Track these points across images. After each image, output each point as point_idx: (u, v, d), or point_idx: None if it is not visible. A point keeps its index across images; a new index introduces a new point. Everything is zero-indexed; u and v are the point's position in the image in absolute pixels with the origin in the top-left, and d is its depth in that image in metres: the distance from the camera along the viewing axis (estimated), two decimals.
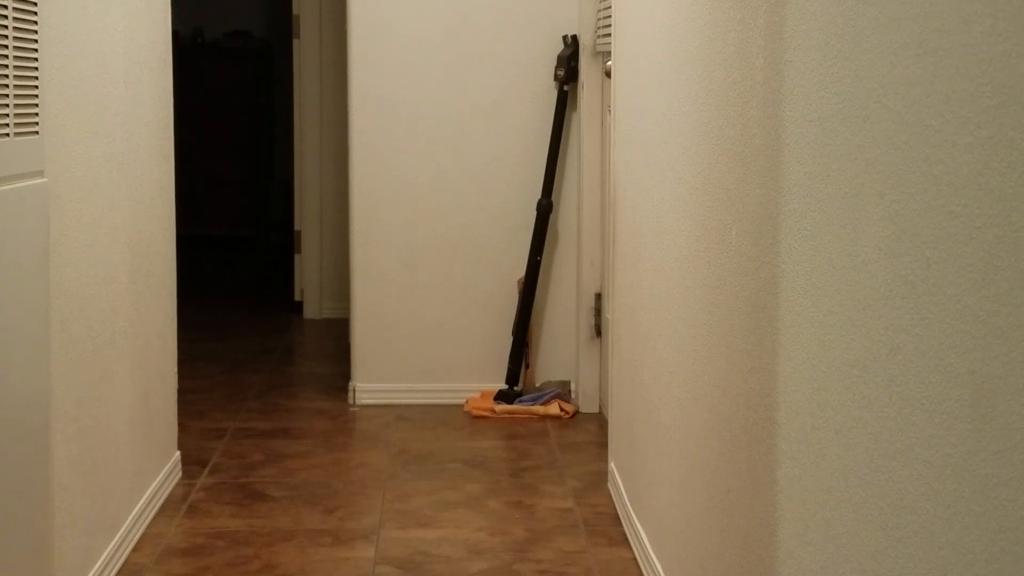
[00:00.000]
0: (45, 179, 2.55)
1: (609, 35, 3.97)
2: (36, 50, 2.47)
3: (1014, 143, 1.15)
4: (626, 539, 3.38)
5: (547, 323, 4.86)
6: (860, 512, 1.55)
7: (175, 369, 3.88)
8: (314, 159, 6.54)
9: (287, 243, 7.12)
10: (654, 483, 3.04)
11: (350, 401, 4.84)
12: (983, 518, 1.21)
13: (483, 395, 4.74)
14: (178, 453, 3.88)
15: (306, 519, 3.54)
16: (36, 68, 2.48)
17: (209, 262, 8.33)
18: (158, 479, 3.61)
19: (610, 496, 3.72)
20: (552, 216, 4.78)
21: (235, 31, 9.28)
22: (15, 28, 2.36)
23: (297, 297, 6.68)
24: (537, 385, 4.82)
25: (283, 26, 7.61)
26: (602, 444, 4.16)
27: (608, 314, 4.40)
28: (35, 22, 2.47)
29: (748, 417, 2.10)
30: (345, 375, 4.96)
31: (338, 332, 5.93)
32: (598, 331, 4.70)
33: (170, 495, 3.70)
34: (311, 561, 3.24)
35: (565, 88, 4.73)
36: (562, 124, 4.74)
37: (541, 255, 4.74)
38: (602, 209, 4.55)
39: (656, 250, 2.98)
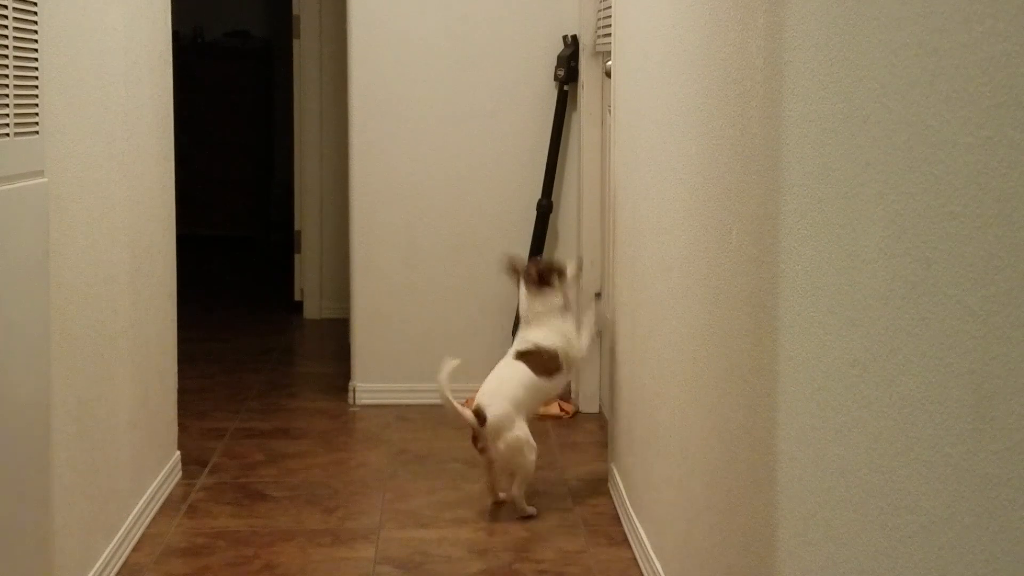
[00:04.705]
0: (45, 179, 2.55)
1: (609, 35, 3.97)
2: (36, 50, 2.47)
3: (1014, 143, 1.15)
4: (626, 539, 3.38)
5: None
6: (860, 512, 1.55)
7: (175, 369, 3.88)
8: (314, 159, 6.54)
9: (287, 243, 7.12)
10: (654, 483, 3.04)
11: (350, 401, 4.84)
12: (983, 518, 1.21)
13: None
14: (178, 453, 3.88)
15: (306, 519, 3.54)
16: (36, 68, 2.48)
17: (209, 262, 8.33)
18: (158, 479, 3.61)
19: (610, 496, 3.72)
20: (552, 216, 4.78)
21: (235, 31, 9.28)
22: (15, 28, 2.36)
23: (297, 297, 6.68)
24: None
25: (283, 26, 7.61)
26: (602, 444, 4.16)
27: (608, 314, 4.40)
28: (35, 22, 2.47)
29: (748, 417, 2.10)
30: (345, 375, 4.95)
31: (338, 332, 5.93)
32: (598, 331, 4.70)
33: (170, 495, 3.70)
34: (311, 561, 3.24)
35: (565, 88, 4.72)
36: (562, 124, 4.74)
37: (541, 255, 4.74)
38: (602, 209, 4.55)
39: (656, 250, 2.98)
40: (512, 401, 3.56)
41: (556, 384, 3.73)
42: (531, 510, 3.61)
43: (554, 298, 3.70)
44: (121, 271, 3.22)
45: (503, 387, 3.59)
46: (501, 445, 3.53)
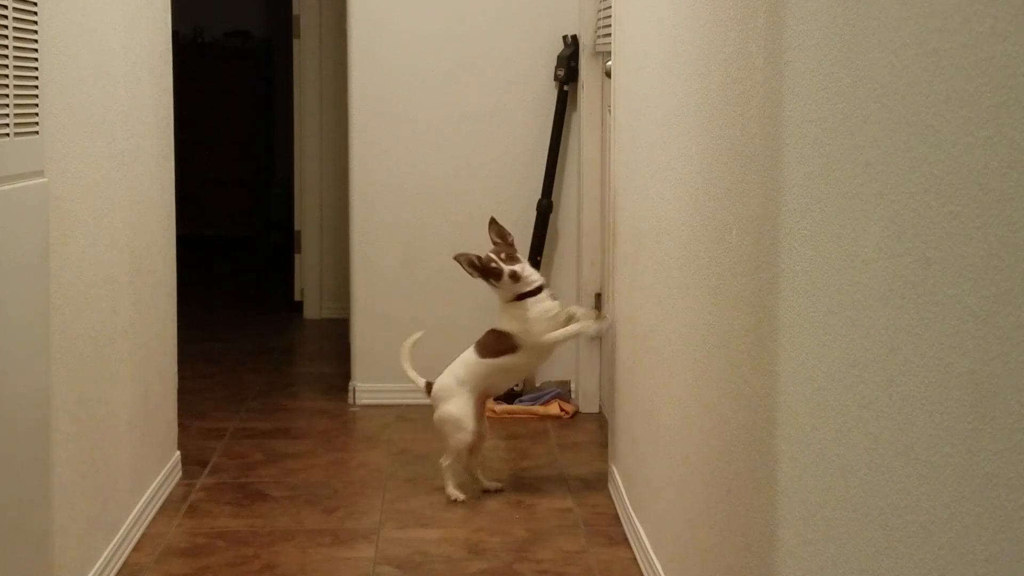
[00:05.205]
0: (45, 179, 2.55)
1: (609, 35, 3.97)
2: (36, 50, 2.47)
3: (1014, 143, 1.15)
4: (626, 539, 3.38)
5: None
6: (860, 512, 1.55)
7: (175, 369, 3.88)
8: (314, 159, 6.54)
9: (287, 243, 7.12)
10: (654, 483, 3.04)
11: (350, 401, 4.84)
12: (983, 518, 1.21)
13: None
14: (178, 453, 3.88)
15: (306, 519, 3.54)
16: (36, 68, 2.48)
17: (209, 262, 8.33)
18: (158, 479, 3.61)
19: (610, 496, 3.72)
20: (552, 216, 4.78)
21: (235, 31, 9.28)
22: (15, 28, 2.36)
23: (297, 297, 6.68)
24: (537, 385, 4.81)
25: (283, 26, 7.61)
26: (602, 444, 4.16)
27: (608, 314, 4.40)
28: (35, 22, 2.47)
29: (748, 417, 2.10)
30: (345, 375, 4.95)
31: (338, 332, 5.93)
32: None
33: (170, 495, 3.70)
34: (311, 561, 3.24)
35: (565, 88, 4.72)
36: (562, 124, 4.74)
37: (541, 255, 4.74)
38: (602, 209, 4.55)
39: (656, 250, 2.98)
40: (454, 376, 3.80)
41: (505, 363, 3.79)
42: (455, 494, 3.70)
43: (503, 290, 3.76)
44: (121, 271, 3.22)
45: (451, 365, 3.83)
46: (436, 415, 3.79)
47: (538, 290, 3.78)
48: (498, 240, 3.82)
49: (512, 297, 3.76)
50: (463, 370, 3.79)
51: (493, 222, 3.87)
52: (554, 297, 3.84)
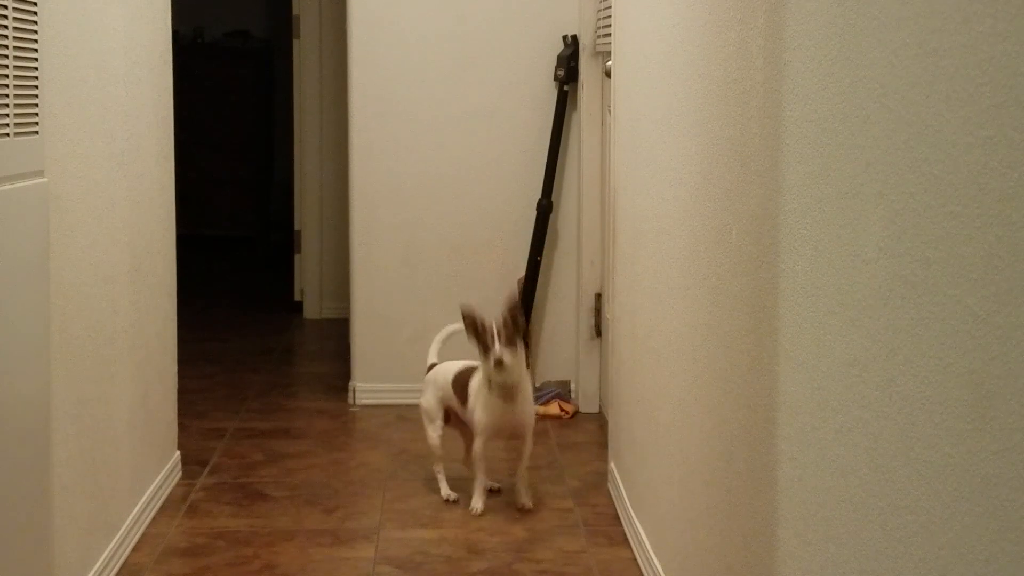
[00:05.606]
0: (45, 179, 2.55)
1: (609, 35, 3.97)
2: (36, 50, 2.47)
3: (1014, 143, 1.15)
4: (626, 539, 3.38)
5: (547, 323, 4.86)
6: (860, 512, 1.55)
7: (175, 369, 3.88)
8: (314, 159, 6.54)
9: (287, 243, 7.12)
10: (654, 483, 3.04)
11: (350, 401, 4.84)
12: (983, 518, 1.21)
13: None
14: (178, 453, 3.88)
15: (306, 519, 3.54)
16: (36, 68, 2.48)
17: (209, 262, 8.33)
18: (158, 479, 3.61)
19: (610, 496, 3.72)
20: (552, 216, 4.78)
21: (235, 31, 9.28)
22: (15, 28, 2.36)
23: (297, 297, 6.68)
24: (537, 385, 4.81)
25: (283, 26, 7.61)
26: (602, 444, 4.16)
27: (608, 314, 4.40)
28: (35, 22, 2.47)
29: (748, 417, 2.10)
30: (345, 375, 4.95)
31: (338, 332, 5.93)
32: (598, 331, 4.70)
33: (170, 495, 3.70)
34: (311, 561, 3.24)
35: (565, 88, 4.72)
36: (562, 124, 4.74)
37: (541, 255, 4.74)
38: (602, 209, 4.55)
39: (656, 250, 2.98)
40: (433, 375, 3.82)
41: (453, 405, 3.73)
42: (450, 494, 3.70)
43: (483, 364, 3.57)
44: (121, 271, 3.22)
45: (452, 364, 3.79)
46: None
47: (508, 391, 3.56)
48: (508, 319, 3.54)
49: (485, 374, 3.58)
50: (442, 376, 3.77)
51: (516, 304, 3.61)
52: (519, 399, 3.60)
